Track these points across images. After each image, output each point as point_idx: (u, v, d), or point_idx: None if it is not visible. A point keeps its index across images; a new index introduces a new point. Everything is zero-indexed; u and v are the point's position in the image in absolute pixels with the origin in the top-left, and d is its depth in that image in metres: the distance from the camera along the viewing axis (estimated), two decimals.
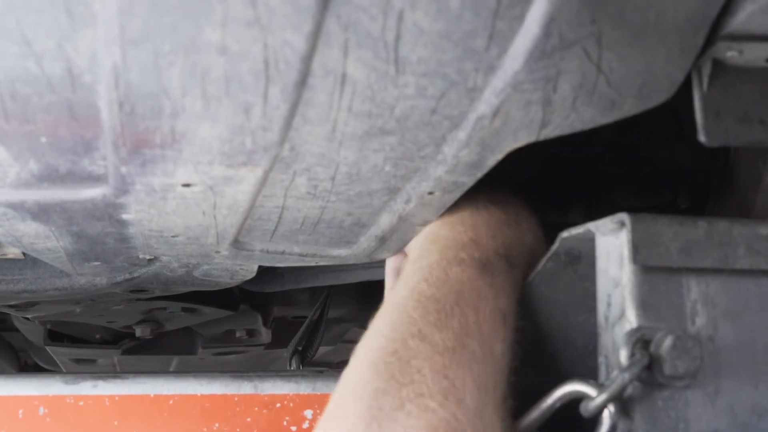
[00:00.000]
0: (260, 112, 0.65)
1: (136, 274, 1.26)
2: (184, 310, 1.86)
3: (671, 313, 0.76)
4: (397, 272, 1.08)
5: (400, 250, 1.05)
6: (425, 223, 0.97)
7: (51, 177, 0.77)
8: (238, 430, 1.34)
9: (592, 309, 0.84)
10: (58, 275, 1.31)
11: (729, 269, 0.78)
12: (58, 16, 0.56)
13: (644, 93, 0.70)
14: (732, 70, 0.73)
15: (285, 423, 1.35)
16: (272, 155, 0.73)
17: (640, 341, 0.74)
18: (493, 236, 0.93)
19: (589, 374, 0.81)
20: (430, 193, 0.84)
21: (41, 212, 0.87)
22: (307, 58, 0.60)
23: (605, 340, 0.80)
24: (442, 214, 0.95)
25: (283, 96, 0.63)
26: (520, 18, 0.58)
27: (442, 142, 0.73)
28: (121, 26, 0.57)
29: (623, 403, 0.74)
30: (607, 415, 0.74)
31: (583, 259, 0.89)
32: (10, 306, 1.60)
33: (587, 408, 0.75)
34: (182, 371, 2.02)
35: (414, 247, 1.00)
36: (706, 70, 0.72)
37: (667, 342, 0.73)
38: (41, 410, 1.32)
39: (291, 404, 1.36)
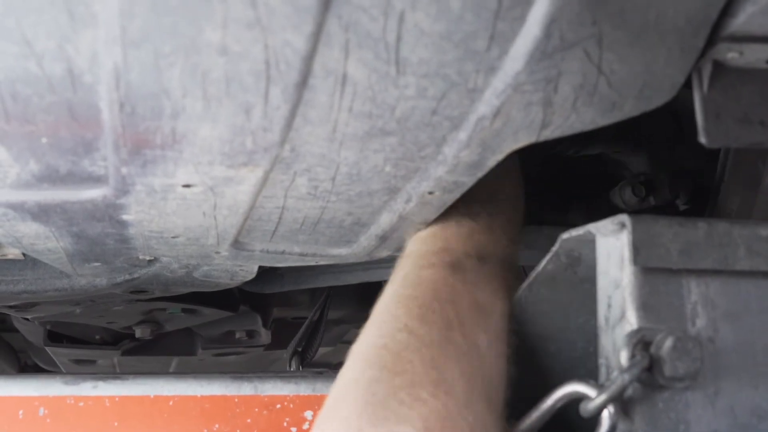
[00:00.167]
0: (261, 112, 0.65)
1: (136, 275, 1.26)
2: (184, 311, 1.86)
3: (671, 314, 0.76)
4: None
5: (399, 248, 1.05)
6: (425, 222, 0.97)
7: (51, 178, 0.77)
8: (238, 431, 1.34)
9: (592, 310, 0.84)
10: (58, 276, 1.31)
11: (729, 270, 0.78)
12: (59, 17, 0.56)
13: (645, 94, 0.70)
14: (732, 72, 0.73)
15: (285, 424, 1.35)
16: (273, 156, 0.73)
17: (641, 342, 0.74)
18: (464, 243, 0.97)
19: (590, 375, 0.81)
20: (431, 192, 0.84)
21: (41, 213, 0.87)
22: (308, 59, 0.60)
23: (605, 342, 0.80)
24: (416, 237, 1.00)
25: (284, 96, 0.63)
26: (520, 19, 0.58)
27: (442, 142, 0.73)
28: (122, 27, 0.57)
29: (623, 404, 0.74)
30: (606, 416, 0.74)
31: (584, 261, 0.89)
32: (10, 307, 1.60)
33: (587, 408, 0.75)
34: (182, 372, 2.02)
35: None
36: (707, 71, 0.72)
37: (668, 343, 0.73)
38: (41, 411, 1.32)
39: (291, 405, 1.36)
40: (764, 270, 0.78)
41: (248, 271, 1.24)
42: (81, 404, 1.33)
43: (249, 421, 1.35)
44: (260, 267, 1.23)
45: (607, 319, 0.80)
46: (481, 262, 0.94)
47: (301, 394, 1.37)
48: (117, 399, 1.34)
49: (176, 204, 0.85)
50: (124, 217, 0.89)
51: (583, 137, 0.74)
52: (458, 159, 0.75)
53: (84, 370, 2.29)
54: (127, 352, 2.20)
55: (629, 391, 0.74)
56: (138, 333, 1.96)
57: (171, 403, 1.35)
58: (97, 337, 2.17)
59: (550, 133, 0.72)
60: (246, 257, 1.10)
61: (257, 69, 0.60)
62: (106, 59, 0.60)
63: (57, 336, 2.10)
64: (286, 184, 0.80)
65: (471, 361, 0.83)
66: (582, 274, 0.90)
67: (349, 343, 0.89)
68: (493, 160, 0.76)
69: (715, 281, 0.78)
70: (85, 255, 1.09)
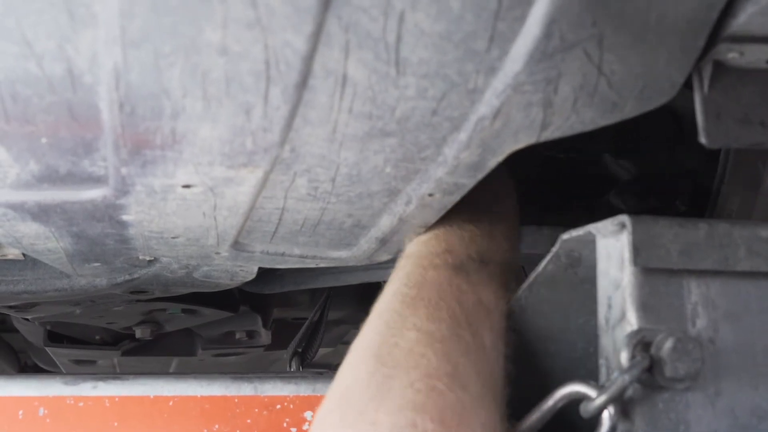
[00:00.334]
0: (261, 113, 0.65)
1: (136, 276, 1.26)
2: (184, 311, 1.86)
3: (672, 315, 0.76)
4: None
5: (399, 251, 1.05)
6: (425, 225, 0.97)
7: (51, 178, 0.77)
8: (238, 431, 1.34)
9: (592, 311, 0.84)
10: (58, 276, 1.31)
11: (729, 271, 0.78)
12: (59, 17, 0.56)
13: (645, 94, 0.70)
14: (733, 72, 0.73)
15: (285, 425, 1.35)
16: (273, 156, 0.73)
17: (641, 343, 0.74)
18: (466, 246, 0.96)
19: (590, 376, 0.81)
20: (431, 194, 0.84)
21: (41, 213, 0.87)
22: (308, 59, 0.60)
23: (606, 342, 0.80)
24: (416, 240, 1.00)
25: (284, 97, 0.63)
26: (521, 19, 0.58)
27: (442, 143, 0.73)
28: (122, 27, 0.57)
29: (623, 405, 0.74)
30: (606, 417, 0.74)
31: (584, 261, 0.89)
32: (10, 307, 1.60)
33: (587, 409, 0.75)
34: (182, 372, 2.02)
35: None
36: (707, 71, 0.72)
37: (668, 344, 0.73)
38: (41, 411, 1.32)
39: (291, 406, 1.36)
40: (764, 271, 0.78)
41: (248, 271, 1.24)
42: (81, 404, 1.33)
43: (249, 421, 1.35)
44: (260, 268, 1.23)
45: (607, 320, 0.80)
46: (482, 264, 0.94)
47: (301, 394, 1.37)
48: (117, 399, 1.34)
49: (176, 204, 0.85)
50: (124, 217, 0.89)
51: (583, 138, 0.74)
52: (458, 160, 0.75)
53: (84, 370, 2.28)
54: (127, 353, 2.20)
55: (629, 392, 0.74)
56: (138, 333, 1.96)
57: (171, 403, 1.35)
58: (97, 337, 2.17)
59: (550, 134, 0.72)
60: (246, 258, 1.10)
61: (257, 69, 0.60)
62: (106, 59, 0.60)
63: (57, 336, 2.10)
64: (286, 184, 0.80)
65: (480, 358, 0.83)
66: (582, 275, 0.90)
67: (350, 343, 0.89)
68: (493, 161, 0.76)
69: (716, 282, 0.78)
70: (85, 255, 1.09)
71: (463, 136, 0.71)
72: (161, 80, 0.61)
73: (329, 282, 1.59)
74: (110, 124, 0.67)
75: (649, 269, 0.76)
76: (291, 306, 2.22)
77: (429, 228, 0.99)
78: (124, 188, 0.79)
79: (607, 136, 1.32)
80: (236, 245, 1.03)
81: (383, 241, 1.00)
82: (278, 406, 1.36)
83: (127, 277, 1.27)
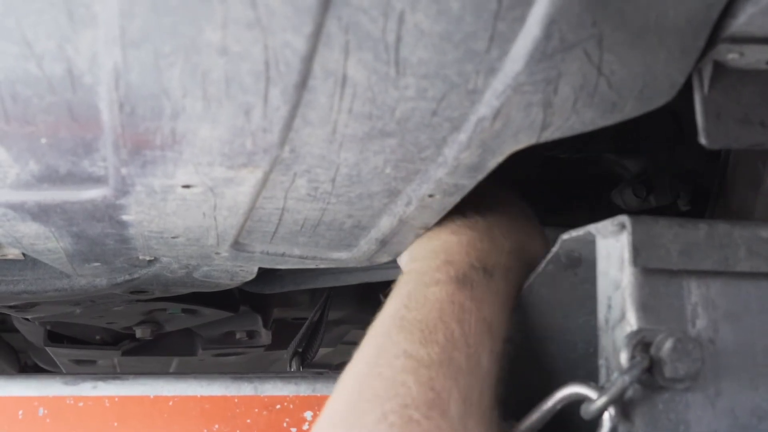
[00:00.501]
0: (260, 113, 0.65)
1: (136, 276, 1.26)
2: (184, 311, 1.86)
3: (672, 315, 0.76)
4: None
5: (399, 253, 1.05)
6: (425, 227, 0.97)
7: (51, 178, 0.77)
8: (238, 431, 1.34)
9: (592, 311, 0.84)
10: (58, 276, 1.31)
11: (729, 271, 0.78)
12: (59, 17, 0.56)
13: (645, 95, 0.70)
14: (733, 73, 0.73)
15: (285, 425, 1.35)
16: (272, 157, 0.73)
17: (641, 344, 0.74)
18: (467, 253, 0.94)
19: (590, 376, 0.81)
20: (431, 195, 0.84)
21: (41, 213, 0.87)
22: (308, 60, 0.60)
23: (606, 343, 0.80)
24: (414, 250, 0.98)
25: (284, 97, 0.63)
26: (521, 19, 0.58)
27: (442, 144, 0.73)
28: (122, 27, 0.57)
29: (623, 406, 0.74)
30: (607, 418, 0.74)
31: (584, 262, 0.89)
32: (10, 307, 1.60)
33: (587, 410, 0.75)
34: (182, 372, 2.02)
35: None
36: (707, 72, 0.72)
37: (668, 344, 0.73)
38: (41, 411, 1.32)
39: (291, 406, 1.36)
40: (765, 271, 0.78)
41: (248, 271, 1.24)
42: (81, 404, 1.33)
43: (249, 421, 1.35)
44: (260, 268, 1.23)
45: (607, 320, 0.80)
46: (487, 275, 0.92)
47: (301, 394, 1.37)
48: (117, 399, 1.34)
49: (176, 204, 0.85)
50: (124, 217, 0.89)
51: (583, 138, 0.74)
52: (458, 161, 0.75)
53: (84, 370, 2.29)
54: (127, 353, 2.20)
55: (629, 393, 0.74)
56: (138, 333, 1.96)
57: (171, 403, 1.35)
58: (98, 337, 2.17)
59: (550, 134, 0.72)
60: (246, 258, 1.10)
61: (257, 70, 0.60)
62: (105, 60, 0.60)
63: (57, 336, 2.10)
64: (286, 185, 0.80)
65: (471, 381, 0.81)
66: (582, 275, 0.90)
67: (350, 343, 0.89)
68: (493, 162, 0.76)
69: (716, 282, 0.78)
70: (85, 255, 1.09)
71: (463, 136, 0.71)
72: (161, 80, 0.61)
73: (329, 282, 1.59)
74: (110, 124, 0.67)
75: (649, 269, 0.76)
76: (291, 306, 2.22)
77: (426, 237, 0.97)
78: (124, 188, 0.79)
79: (608, 136, 1.32)
80: (236, 245, 1.03)
81: (383, 242, 1.00)
82: (278, 406, 1.36)
83: (127, 277, 1.27)
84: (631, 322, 0.75)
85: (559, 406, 0.79)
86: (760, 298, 0.79)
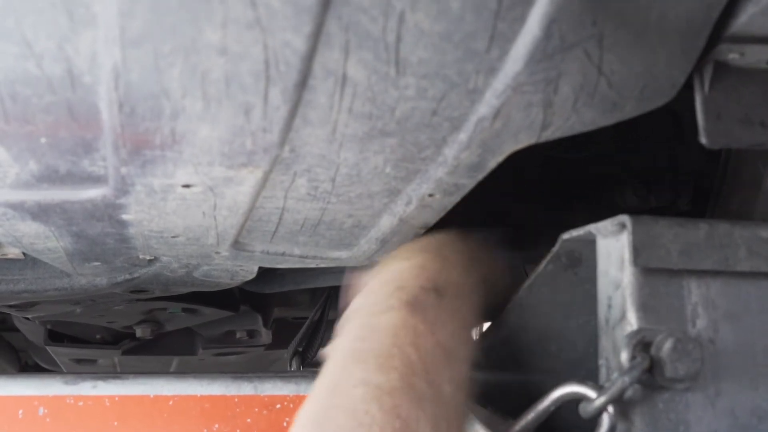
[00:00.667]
0: (260, 113, 0.65)
1: (136, 275, 1.26)
2: (184, 310, 1.86)
3: (672, 315, 0.76)
4: None
5: None
6: (425, 226, 0.97)
7: (51, 177, 0.77)
8: (238, 430, 1.34)
9: (592, 311, 0.84)
10: (59, 275, 1.31)
11: (729, 271, 0.78)
12: (59, 17, 0.56)
13: (645, 95, 0.70)
14: (733, 72, 0.73)
15: (285, 424, 1.35)
16: (272, 156, 0.73)
17: (641, 343, 0.74)
18: (416, 276, 0.91)
19: (590, 376, 0.81)
20: (431, 195, 0.84)
21: (41, 212, 0.87)
22: (308, 59, 0.60)
23: (606, 343, 0.80)
24: (367, 286, 0.95)
25: (284, 97, 0.63)
26: (521, 19, 0.58)
27: (442, 143, 0.73)
28: (122, 27, 0.57)
29: (623, 406, 0.74)
30: (606, 417, 0.74)
31: (584, 261, 0.89)
32: (11, 306, 1.60)
33: (587, 410, 0.75)
34: (182, 372, 2.02)
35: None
36: (708, 72, 0.72)
37: (668, 344, 0.73)
38: (41, 410, 1.32)
39: (291, 405, 1.36)
40: (765, 271, 0.78)
41: (248, 271, 1.24)
42: (81, 404, 1.33)
43: (249, 421, 1.35)
44: (260, 267, 1.23)
45: (607, 320, 0.80)
46: (438, 296, 0.88)
47: (301, 394, 1.37)
48: (117, 399, 1.34)
49: (176, 204, 0.85)
50: (124, 216, 0.89)
51: (583, 138, 0.74)
52: (458, 160, 0.75)
53: (84, 369, 2.29)
54: (127, 352, 2.20)
55: (629, 392, 0.74)
56: (138, 333, 1.96)
57: (171, 402, 1.35)
58: (98, 336, 2.17)
59: (550, 134, 0.72)
60: (246, 258, 1.10)
61: (257, 69, 0.60)
62: (105, 59, 0.60)
63: (57, 335, 2.11)
64: (286, 184, 0.80)
65: (436, 410, 0.77)
66: (582, 275, 0.90)
67: None
68: (493, 162, 0.76)
69: (716, 282, 0.78)
70: (85, 254, 1.09)
71: (463, 136, 0.71)
72: (161, 80, 0.61)
73: (329, 281, 1.59)
74: (110, 124, 0.67)
75: (649, 269, 0.76)
76: (291, 305, 2.22)
77: (377, 271, 0.94)
78: (123, 188, 0.79)
79: (608, 136, 1.32)
80: (236, 245, 1.03)
81: (383, 242, 1.00)
82: (278, 406, 1.36)
83: (128, 276, 1.27)
84: (632, 321, 0.75)
85: (554, 407, 0.79)
86: (760, 298, 0.79)
